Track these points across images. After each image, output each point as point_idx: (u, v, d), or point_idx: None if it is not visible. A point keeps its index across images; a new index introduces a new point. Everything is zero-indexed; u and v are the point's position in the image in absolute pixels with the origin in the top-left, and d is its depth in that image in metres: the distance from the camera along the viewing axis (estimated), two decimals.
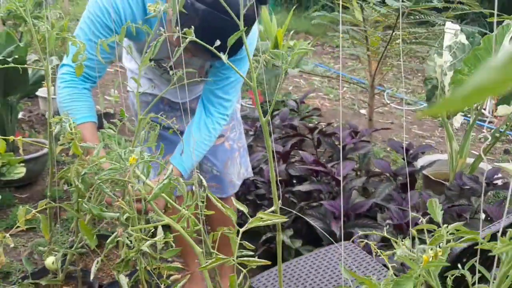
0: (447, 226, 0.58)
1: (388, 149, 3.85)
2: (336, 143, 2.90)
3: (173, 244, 1.24)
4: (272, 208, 1.02)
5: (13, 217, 2.66)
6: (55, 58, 2.25)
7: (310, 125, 3.05)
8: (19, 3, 1.42)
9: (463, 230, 0.57)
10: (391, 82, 6.72)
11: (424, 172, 2.83)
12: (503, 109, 2.83)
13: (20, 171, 2.66)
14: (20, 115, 3.73)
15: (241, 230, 0.91)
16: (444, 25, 2.89)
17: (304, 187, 2.48)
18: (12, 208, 2.75)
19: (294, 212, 2.13)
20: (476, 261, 0.56)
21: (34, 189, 3.01)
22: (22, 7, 1.45)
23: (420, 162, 2.91)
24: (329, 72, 6.59)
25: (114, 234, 1.16)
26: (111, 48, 1.29)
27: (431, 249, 0.53)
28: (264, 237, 2.38)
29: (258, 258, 1.89)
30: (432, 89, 3.00)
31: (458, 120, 2.93)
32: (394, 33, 2.76)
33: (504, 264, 0.47)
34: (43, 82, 3.17)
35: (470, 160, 2.93)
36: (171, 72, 1.19)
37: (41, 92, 3.81)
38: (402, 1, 2.49)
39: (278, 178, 2.70)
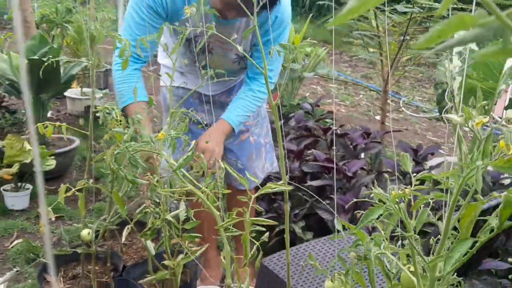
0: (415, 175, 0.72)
1: (402, 153, 3.95)
2: (348, 143, 3.03)
3: (193, 218, 1.39)
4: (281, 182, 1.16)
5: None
6: (85, 59, 2.47)
7: (324, 126, 3.18)
8: (51, 9, 1.61)
9: (428, 175, 0.71)
10: (407, 90, 6.82)
11: (433, 172, 2.93)
12: (511, 113, 2.93)
13: (51, 164, 2.84)
14: (48, 114, 3.95)
15: (253, 196, 1.06)
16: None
17: (317, 183, 2.61)
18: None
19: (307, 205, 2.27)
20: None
21: (63, 181, 3.20)
22: (54, 12, 1.64)
23: (429, 163, 3.02)
24: (344, 77, 6.71)
25: (143, 205, 1.31)
26: (155, 29, 1.50)
27: (401, 190, 0.67)
28: (277, 229, 2.51)
29: (271, 248, 2.03)
30: (442, 93, 3.10)
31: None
32: (405, 39, 2.89)
33: (454, 194, 0.60)
34: (72, 82, 3.38)
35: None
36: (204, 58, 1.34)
37: (69, 92, 4.03)
38: (413, 8, 2.63)
39: (293, 174, 2.83)
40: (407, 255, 0.79)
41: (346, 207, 2.36)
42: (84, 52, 3.90)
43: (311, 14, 6.10)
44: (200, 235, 1.37)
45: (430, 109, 5.93)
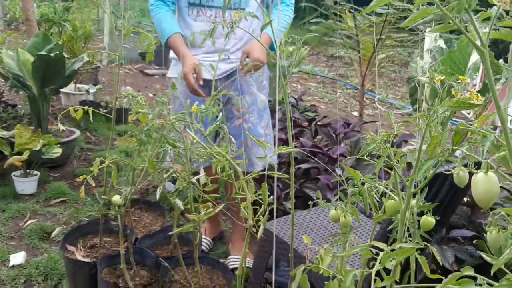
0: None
1: (388, 113, 4.30)
2: (331, 132, 3.34)
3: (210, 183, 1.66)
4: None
5: (50, 190, 3.07)
6: (86, 55, 2.72)
7: (309, 116, 3.48)
8: (50, 9, 1.85)
9: (400, 131, 1.01)
10: (382, 88, 7.21)
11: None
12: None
13: (57, 151, 3.06)
14: None
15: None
16: (425, 31, 3.36)
17: (304, 166, 2.91)
18: (48, 184, 3.16)
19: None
20: None
21: (65, 170, 3.42)
22: (52, 11, 1.88)
23: (403, 149, 3.35)
24: (324, 75, 7.05)
25: (172, 170, 1.58)
26: None
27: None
28: (269, 208, 2.80)
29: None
30: (414, 87, 3.45)
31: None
32: (381, 38, 3.22)
33: (423, 132, 0.89)
34: (74, 76, 3.59)
35: None
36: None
37: (64, 88, 4.23)
38: (388, 9, 2.95)
39: (282, 160, 3.12)
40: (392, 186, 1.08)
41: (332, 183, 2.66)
42: (79, 49, 4.11)
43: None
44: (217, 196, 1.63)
45: (402, 105, 6.32)
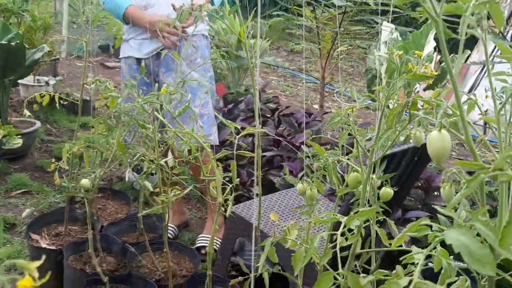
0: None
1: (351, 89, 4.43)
2: (294, 122, 3.42)
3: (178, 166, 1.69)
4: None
5: (11, 182, 3.01)
6: (46, 45, 2.70)
7: (272, 106, 3.56)
8: None
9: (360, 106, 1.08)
10: (340, 82, 7.39)
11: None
12: (428, 94, 3.45)
13: (17, 142, 3.00)
14: None
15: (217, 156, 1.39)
16: (382, 24, 3.49)
17: (268, 154, 2.98)
18: (9, 176, 3.09)
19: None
20: None
21: (26, 161, 3.35)
22: (11, 1, 1.88)
23: None
24: (285, 70, 7.15)
25: (140, 153, 1.60)
26: None
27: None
28: (234, 194, 2.85)
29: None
30: (371, 78, 3.58)
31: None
32: (340, 31, 3.32)
33: (383, 102, 0.97)
34: (34, 66, 3.52)
35: None
36: None
37: (22, 80, 4.13)
38: (347, 1, 3.05)
39: (246, 148, 3.16)
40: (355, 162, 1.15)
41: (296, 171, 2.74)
42: (38, 40, 4.03)
43: (253, 10, 6.46)
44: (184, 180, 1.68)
45: (360, 98, 6.49)
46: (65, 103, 2.31)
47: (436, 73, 0.87)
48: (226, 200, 1.52)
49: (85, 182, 1.73)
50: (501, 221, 0.67)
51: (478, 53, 4.70)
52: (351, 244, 1.10)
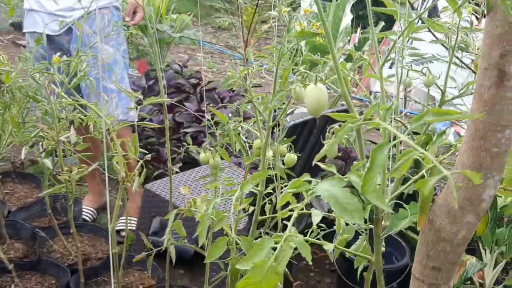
0: None
1: None
2: (216, 97, 3.37)
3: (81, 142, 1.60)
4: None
5: None
6: None
7: (193, 81, 3.48)
8: None
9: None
10: (268, 59, 7.40)
11: (288, 118, 3.40)
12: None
13: None
14: None
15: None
16: None
17: (190, 130, 2.91)
18: None
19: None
20: None
21: None
22: None
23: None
24: (209, 46, 7.05)
25: (38, 130, 1.49)
26: None
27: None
28: (156, 172, 2.78)
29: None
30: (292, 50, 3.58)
31: None
32: (259, 2, 3.28)
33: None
34: None
35: None
36: None
37: None
38: None
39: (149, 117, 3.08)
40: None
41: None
42: None
43: None
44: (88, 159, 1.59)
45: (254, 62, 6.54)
46: None
47: (320, 31, 0.85)
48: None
49: None
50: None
51: (398, 28, 4.85)
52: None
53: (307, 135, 1.70)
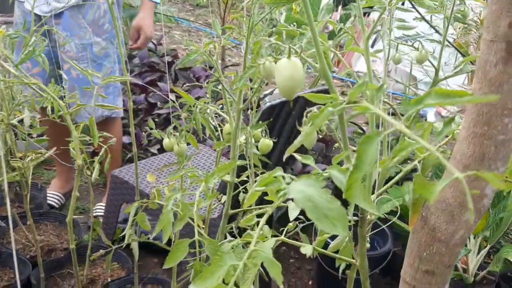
0: None
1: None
2: (191, 76, 3.22)
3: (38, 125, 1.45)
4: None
5: None
6: None
7: (168, 59, 3.31)
8: None
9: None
10: (237, 31, 7.22)
11: (266, 99, 3.28)
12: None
13: None
14: None
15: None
16: None
17: (163, 111, 2.77)
18: None
19: None
20: None
21: None
22: None
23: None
24: (187, 24, 6.85)
25: None
26: None
27: None
28: (129, 155, 2.64)
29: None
30: (273, 27, 3.43)
31: None
32: None
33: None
34: None
35: None
36: None
37: None
38: None
39: (139, 106, 2.95)
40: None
41: None
42: None
43: None
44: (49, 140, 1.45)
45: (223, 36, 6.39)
46: None
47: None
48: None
49: None
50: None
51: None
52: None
53: (285, 118, 1.58)
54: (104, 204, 2.35)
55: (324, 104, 0.48)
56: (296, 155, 0.58)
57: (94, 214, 2.33)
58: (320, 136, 2.88)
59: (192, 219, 0.81)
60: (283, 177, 0.52)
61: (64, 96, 1.36)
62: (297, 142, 0.45)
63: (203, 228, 0.88)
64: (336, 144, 2.83)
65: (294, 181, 0.46)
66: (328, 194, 0.44)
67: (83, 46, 2.09)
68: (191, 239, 0.71)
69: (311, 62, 0.53)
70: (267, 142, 1.07)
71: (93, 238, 1.93)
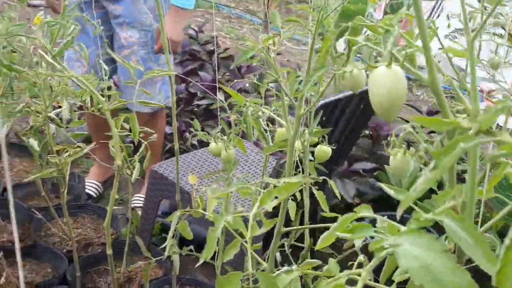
0: None
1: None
2: (234, 66, 3.11)
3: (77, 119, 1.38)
4: None
5: None
6: None
7: (209, 47, 3.22)
8: None
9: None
10: (289, 26, 7.05)
11: None
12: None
13: None
14: None
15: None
16: None
17: (203, 102, 2.68)
18: None
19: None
20: None
21: None
22: None
23: None
24: (227, 11, 6.74)
25: (22, 104, 1.27)
26: None
27: None
28: (168, 146, 2.57)
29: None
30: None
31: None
32: None
33: (313, 34, 0.70)
34: None
35: None
36: None
37: None
38: None
39: (180, 96, 2.87)
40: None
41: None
42: None
43: None
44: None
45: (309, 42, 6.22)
46: None
47: None
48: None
49: None
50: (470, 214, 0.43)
51: None
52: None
53: (338, 116, 1.45)
54: (142, 196, 2.28)
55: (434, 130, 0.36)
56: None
57: (133, 205, 2.27)
58: (366, 132, 2.72)
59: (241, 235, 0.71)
60: (374, 221, 0.41)
61: (110, 87, 1.27)
62: (414, 195, 0.33)
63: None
64: (384, 141, 2.63)
65: (398, 235, 0.35)
66: (453, 262, 0.32)
67: (144, 33, 2.03)
68: (244, 272, 0.61)
69: (417, 73, 0.41)
70: (325, 149, 0.96)
71: (131, 231, 1.86)
